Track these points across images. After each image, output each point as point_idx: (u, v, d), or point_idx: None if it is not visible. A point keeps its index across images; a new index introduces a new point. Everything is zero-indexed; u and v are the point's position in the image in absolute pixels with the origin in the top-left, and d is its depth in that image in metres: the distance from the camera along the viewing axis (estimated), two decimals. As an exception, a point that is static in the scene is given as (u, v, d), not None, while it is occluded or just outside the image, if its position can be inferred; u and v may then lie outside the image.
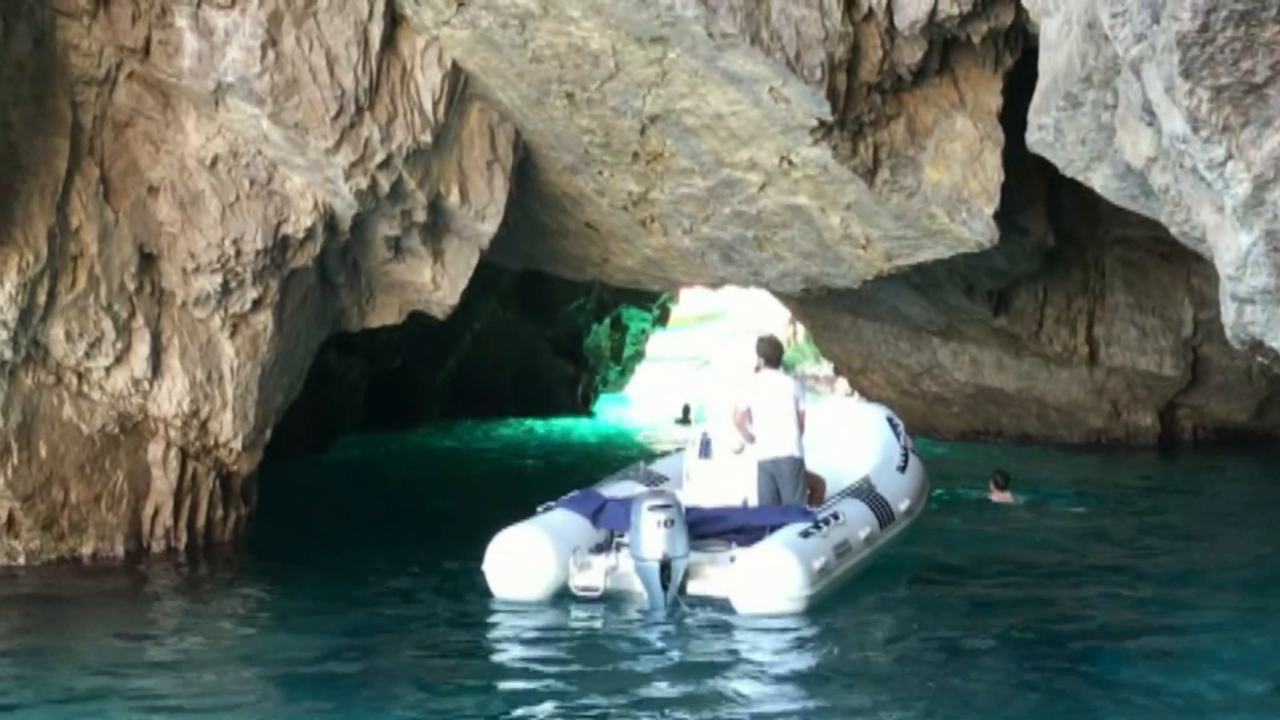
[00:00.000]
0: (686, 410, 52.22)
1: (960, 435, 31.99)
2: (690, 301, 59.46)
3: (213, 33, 15.94)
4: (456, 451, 35.34)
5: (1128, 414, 29.98)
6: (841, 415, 19.33)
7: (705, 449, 15.99)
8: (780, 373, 15.62)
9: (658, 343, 57.31)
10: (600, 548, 14.45)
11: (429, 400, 41.58)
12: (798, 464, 15.20)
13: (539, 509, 14.73)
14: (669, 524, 13.46)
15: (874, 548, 15.13)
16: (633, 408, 52.18)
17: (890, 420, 18.00)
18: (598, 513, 14.65)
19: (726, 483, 15.59)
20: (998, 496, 22.03)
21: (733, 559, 13.90)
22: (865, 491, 15.65)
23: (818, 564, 13.59)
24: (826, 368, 41.86)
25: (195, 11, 15.88)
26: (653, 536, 13.43)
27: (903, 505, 16.10)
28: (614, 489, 15.64)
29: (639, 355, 54.75)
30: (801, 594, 13.38)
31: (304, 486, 23.69)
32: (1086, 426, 30.19)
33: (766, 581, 13.41)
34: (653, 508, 13.51)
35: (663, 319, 53.24)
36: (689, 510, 14.36)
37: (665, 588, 13.55)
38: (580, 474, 23.97)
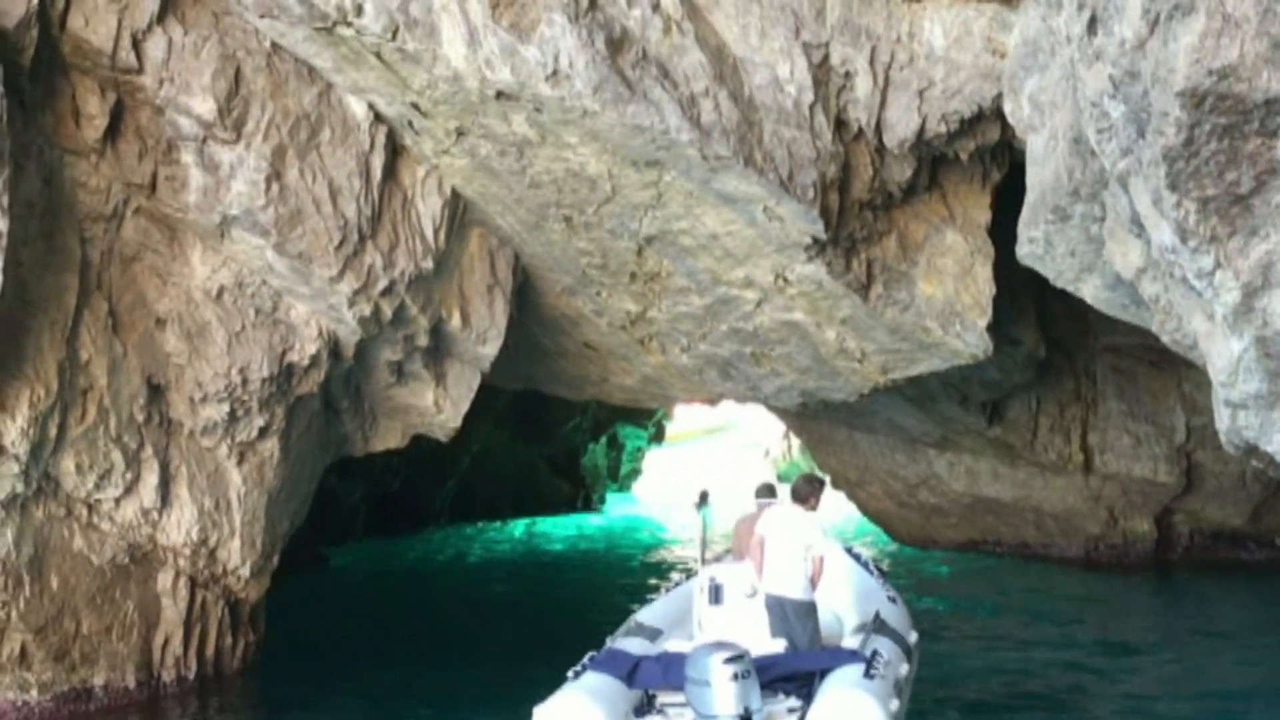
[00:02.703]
0: (705, 496, 52.04)
1: (959, 546, 32.01)
2: (694, 415, 59.55)
3: (218, 167, 16.26)
4: (459, 562, 35.28)
5: (1124, 520, 29.99)
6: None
7: (716, 594, 14.91)
8: (802, 511, 14.43)
9: (661, 456, 57.39)
10: (639, 711, 13.22)
11: (428, 522, 41.66)
12: (804, 607, 14.12)
13: (569, 674, 13.33)
14: (744, 676, 12.13)
15: (909, 686, 14.23)
16: (640, 505, 52.14)
17: (851, 552, 17.21)
18: (632, 672, 13.38)
19: (742, 628, 14.35)
20: None
21: (792, 710, 12.83)
22: (885, 628, 14.74)
23: (893, 706, 12.64)
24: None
25: (200, 147, 16.20)
26: (726, 691, 12.05)
27: (912, 638, 15.38)
28: (627, 645, 14.32)
29: (635, 473, 54.93)
30: None
31: (308, 602, 23.70)
32: (1084, 534, 30.19)
33: None
34: (728, 660, 12.12)
35: (658, 437, 53.46)
36: None
37: None
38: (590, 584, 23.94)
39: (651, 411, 48.21)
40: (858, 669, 12.97)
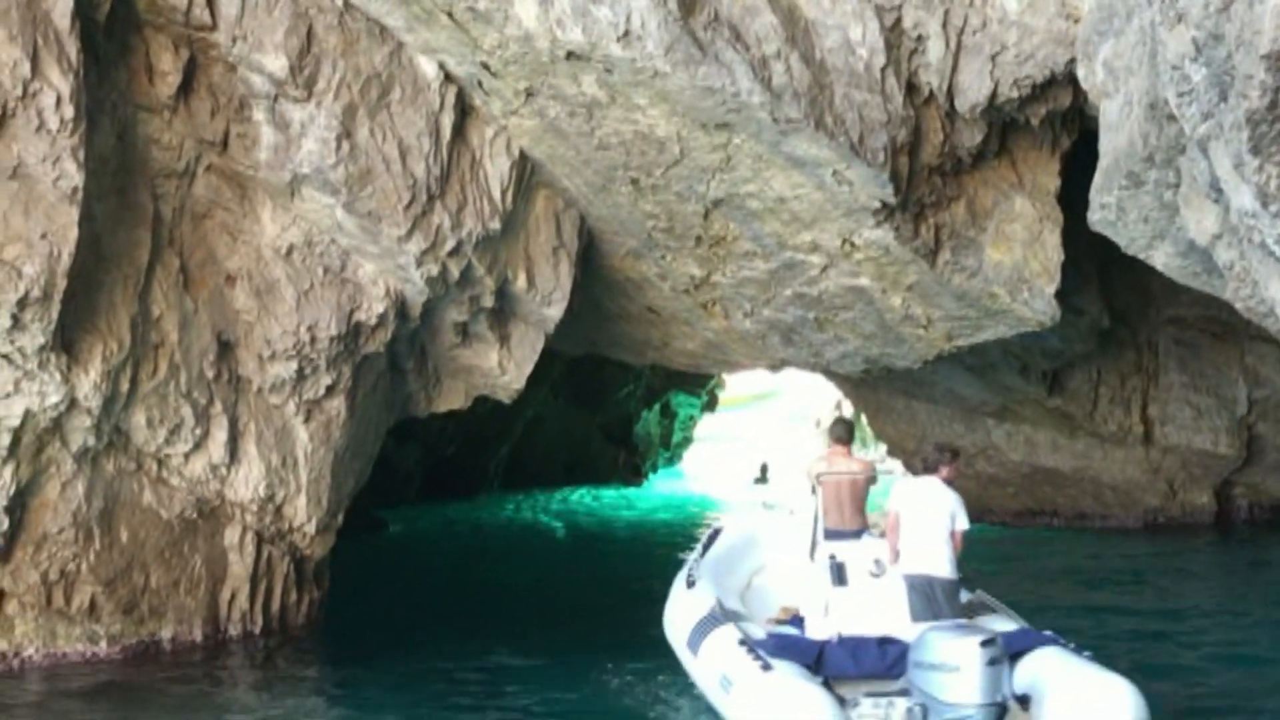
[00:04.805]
0: (765, 470, 52.32)
1: (1016, 515, 31.98)
2: (742, 381, 59.59)
3: (289, 125, 16.33)
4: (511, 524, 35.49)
5: (1184, 492, 29.94)
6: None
7: (839, 574, 13.78)
8: (938, 482, 13.58)
9: (709, 422, 57.39)
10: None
11: (482, 487, 41.89)
12: (953, 586, 13.15)
13: (739, 662, 12.16)
14: (998, 661, 11.12)
15: None
16: (688, 480, 52.17)
17: None
18: (819, 659, 12.40)
19: (876, 610, 13.34)
20: None
21: (1014, 695, 11.55)
22: (1006, 609, 14.00)
23: None
24: (880, 449, 41.94)
25: (272, 105, 16.27)
26: (981, 678, 10.99)
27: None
28: (750, 630, 13.24)
29: (687, 441, 55.02)
30: None
31: (367, 563, 23.92)
32: (1142, 505, 30.16)
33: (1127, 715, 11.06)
34: (984, 643, 11.07)
35: (711, 405, 53.51)
36: (891, 642, 12.55)
37: None
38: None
39: (705, 379, 48.24)
40: (1066, 649, 12.09)
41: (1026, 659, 11.85)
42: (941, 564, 13.12)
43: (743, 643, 12.53)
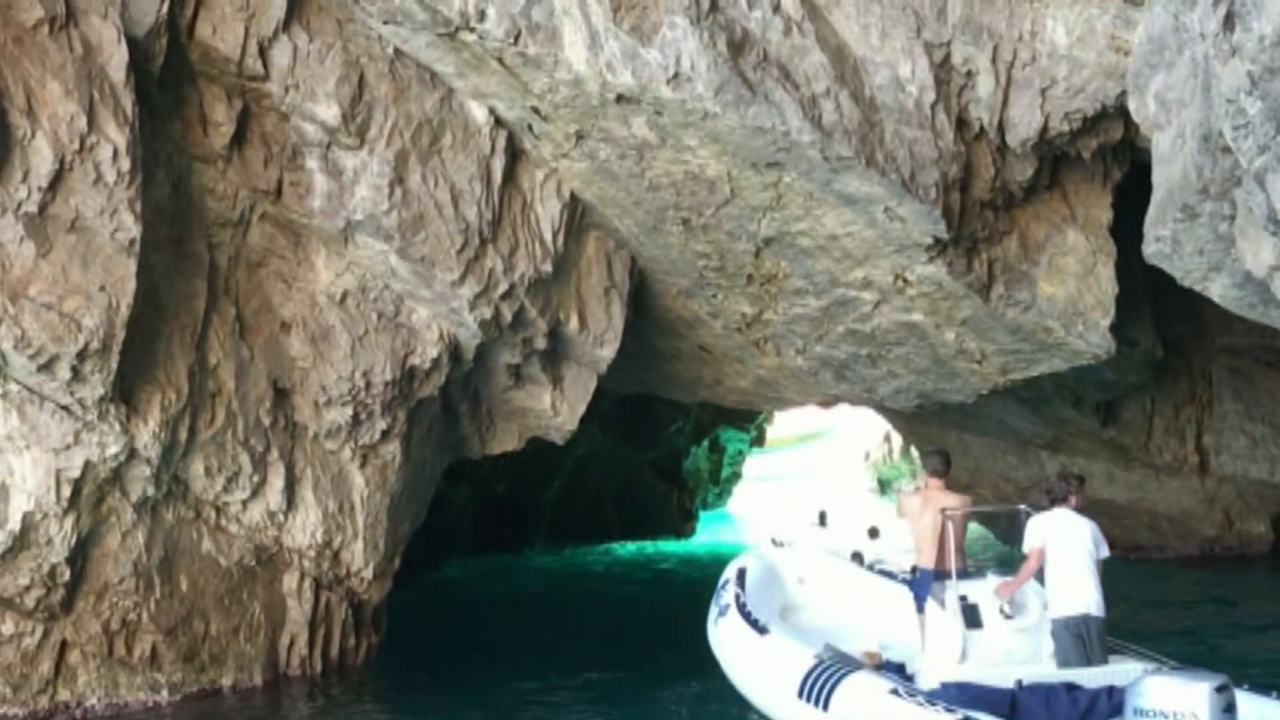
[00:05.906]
0: (824, 516, 51.85)
1: (1070, 547, 31.70)
2: (790, 420, 59.18)
3: (342, 173, 16.45)
4: (566, 575, 35.42)
5: (1240, 522, 29.63)
6: (853, 581, 17.03)
7: (973, 616, 13.21)
8: (1072, 513, 13.19)
9: (757, 463, 57.11)
10: None
11: (534, 524, 41.83)
12: (1102, 624, 12.71)
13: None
14: (1233, 708, 10.46)
15: None
16: (735, 527, 51.88)
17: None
18: (1012, 708, 11.88)
19: (1016, 654, 12.94)
20: None
21: None
22: (1136, 648, 13.47)
23: None
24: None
25: (325, 153, 16.39)
26: None
27: None
28: (876, 681, 12.44)
29: (736, 476, 54.83)
30: None
31: (424, 608, 23.94)
32: (1199, 536, 29.86)
33: None
34: (1219, 689, 10.36)
35: (759, 440, 53.33)
36: (1078, 688, 12.10)
37: None
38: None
39: (753, 415, 48.09)
40: (1243, 689, 11.45)
41: None
42: (1096, 600, 12.69)
43: (909, 694, 11.84)
